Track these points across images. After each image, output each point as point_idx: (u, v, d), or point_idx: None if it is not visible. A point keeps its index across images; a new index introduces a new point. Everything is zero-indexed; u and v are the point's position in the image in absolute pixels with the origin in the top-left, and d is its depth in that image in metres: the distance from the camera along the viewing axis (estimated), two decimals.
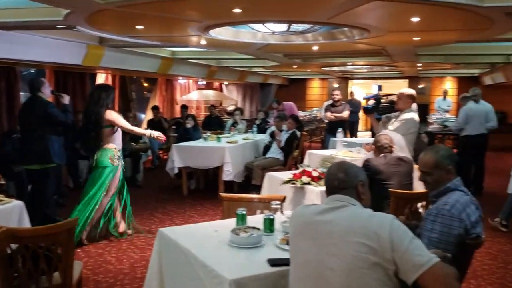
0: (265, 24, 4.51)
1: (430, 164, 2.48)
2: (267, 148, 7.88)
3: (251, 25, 4.69)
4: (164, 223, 5.78)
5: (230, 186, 7.26)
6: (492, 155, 10.83)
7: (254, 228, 2.57)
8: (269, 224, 2.64)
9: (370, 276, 1.75)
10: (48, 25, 4.52)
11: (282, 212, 2.84)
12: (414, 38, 6.00)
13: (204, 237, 2.59)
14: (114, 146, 4.88)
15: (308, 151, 6.70)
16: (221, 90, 16.11)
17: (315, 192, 3.98)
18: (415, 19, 4.53)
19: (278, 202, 2.87)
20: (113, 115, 4.81)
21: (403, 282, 2.25)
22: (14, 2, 4.14)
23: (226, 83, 15.87)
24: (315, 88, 16.63)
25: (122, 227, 5.20)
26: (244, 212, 2.73)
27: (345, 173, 2.06)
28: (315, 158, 6.15)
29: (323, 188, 3.19)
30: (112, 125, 4.84)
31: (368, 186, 2.15)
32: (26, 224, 3.45)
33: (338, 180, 2.04)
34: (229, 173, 6.99)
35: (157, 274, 2.69)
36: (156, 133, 5.07)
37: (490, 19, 4.27)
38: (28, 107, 5.33)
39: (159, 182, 8.30)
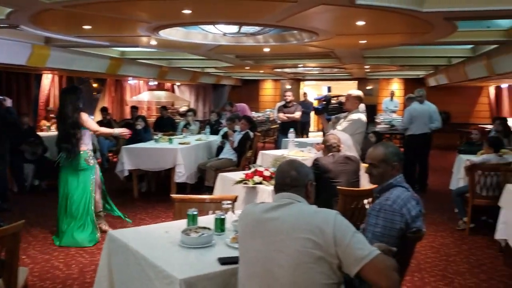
0: (215, 26, 4.53)
1: (378, 158, 2.59)
2: (220, 149, 7.90)
3: (202, 26, 4.69)
4: (114, 227, 5.64)
5: (182, 188, 7.21)
6: (436, 153, 11.38)
7: (205, 228, 2.59)
8: (220, 224, 2.67)
9: (316, 270, 1.81)
10: None
11: (233, 211, 2.87)
12: (361, 41, 6.22)
13: (154, 238, 2.58)
14: (86, 148, 4.96)
15: (260, 152, 6.79)
16: (173, 91, 15.95)
17: (267, 191, 4.04)
18: (361, 23, 4.70)
19: (229, 202, 2.90)
20: (83, 117, 4.85)
21: (347, 275, 2.35)
22: None
23: (178, 83, 15.73)
24: (268, 89, 16.80)
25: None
26: (195, 213, 2.75)
27: (297, 171, 2.11)
28: (267, 158, 6.23)
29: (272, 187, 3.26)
30: (84, 128, 4.89)
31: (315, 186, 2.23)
32: None
33: (291, 178, 2.09)
34: (181, 175, 6.95)
35: (107, 277, 2.65)
36: (120, 130, 5.12)
37: (430, 24, 4.49)
38: None
39: (109, 185, 7.98)
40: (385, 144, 2.74)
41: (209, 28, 4.67)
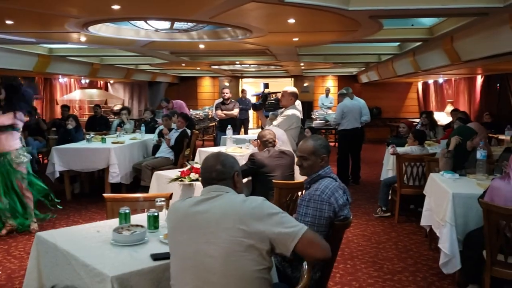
0: (147, 22, 4.44)
1: (308, 150, 2.69)
2: (156, 147, 7.78)
3: (133, 22, 4.59)
4: (45, 230, 5.42)
5: (118, 189, 7.04)
6: (369, 147, 11.89)
7: (137, 226, 2.56)
8: (153, 221, 2.65)
9: (246, 258, 1.86)
10: None
11: (167, 209, 2.85)
12: (294, 39, 6.36)
13: (85, 238, 2.52)
14: None
15: (198, 149, 6.76)
16: (106, 89, 15.47)
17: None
18: (291, 21, 4.81)
19: (163, 199, 2.88)
20: None
21: (280, 263, 2.42)
22: None
23: (111, 81, 15.28)
24: (206, 86, 16.72)
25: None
26: (127, 211, 2.71)
27: (222, 164, 2.13)
28: (205, 156, 6.22)
29: None
30: None
31: (241, 175, 2.26)
32: None
33: (217, 172, 2.11)
34: (115, 175, 6.79)
35: (36, 280, 2.55)
36: None
37: (356, 22, 4.69)
38: None
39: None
40: (314, 137, 2.85)
41: (141, 24, 4.58)
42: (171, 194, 3.31)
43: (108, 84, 15.67)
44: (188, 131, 7.67)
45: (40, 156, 9.64)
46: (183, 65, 10.11)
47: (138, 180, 7.23)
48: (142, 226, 2.55)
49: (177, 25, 4.41)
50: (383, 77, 11.90)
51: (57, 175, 6.78)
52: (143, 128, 8.67)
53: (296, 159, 4.44)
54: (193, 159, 7.19)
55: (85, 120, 11.29)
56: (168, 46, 6.10)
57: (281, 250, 1.91)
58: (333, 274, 3.97)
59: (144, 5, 3.73)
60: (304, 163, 2.72)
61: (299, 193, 3.83)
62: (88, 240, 2.49)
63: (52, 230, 2.76)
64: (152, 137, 8.15)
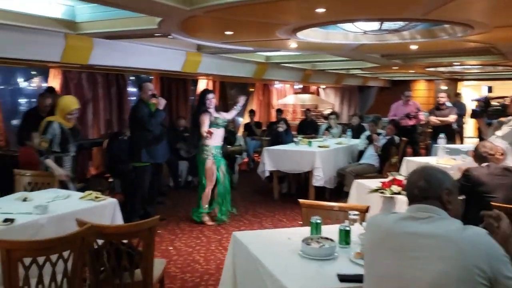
0: (355, 24, 4.30)
1: None
2: (361, 153, 7.59)
3: (341, 25, 4.51)
4: (253, 226, 5.83)
5: (321, 192, 7.12)
6: None
7: (327, 239, 2.44)
8: (345, 236, 2.49)
9: None
10: (146, 34, 4.79)
11: (361, 223, 2.66)
12: None
13: (275, 244, 2.52)
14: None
15: (405, 158, 6.30)
16: (318, 93, 15.94)
17: (406, 203, 3.69)
18: None
19: (356, 212, 2.69)
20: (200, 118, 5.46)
21: None
22: (116, 14, 4.46)
23: (323, 86, 15.66)
24: (420, 90, 15.66)
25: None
26: (319, 221, 2.61)
27: (427, 180, 1.84)
28: (412, 166, 5.75)
29: None
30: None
31: (457, 194, 1.92)
32: (119, 220, 3.65)
33: (419, 189, 1.84)
34: (319, 179, 6.85)
35: (231, 278, 2.67)
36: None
37: None
38: (131, 111, 5.86)
39: (253, 184, 8.39)
40: None
41: (349, 26, 4.46)
42: (368, 208, 3.09)
43: (320, 89, 16.12)
44: (397, 139, 7.26)
45: (256, 155, 10.51)
46: (395, 68, 9.64)
47: (341, 185, 7.18)
48: (332, 240, 2.42)
49: (386, 25, 4.14)
50: None
51: (267, 174, 7.22)
52: (349, 133, 8.58)
53: None
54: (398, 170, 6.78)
55: (297, 124, 11.87)
56: (377, 48, 5.85)
57: None
58: None
59: (349, 7, 3.60)
60: None
61: None
62: (279, 247, 2.48)
63: (247, 231, 2.86)
64: (358, 143, 7.99)
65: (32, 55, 4.72)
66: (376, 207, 4.06)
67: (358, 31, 4.49)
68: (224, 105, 11.79)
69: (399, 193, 3.81)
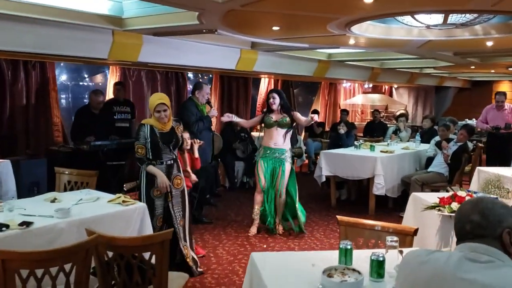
0: (417, 18, 3.76)
1: None
2: (430, 160, 6.91)
3: (402, 19, 3.98)
4: (301, 238, 5.39)
5: (384, 201, 6.59)
6: None
7: (354, 271, 2.03)
8: (377, 267, 2.06)
9: None
10: (193, 30, 4.59)
11: (401, 251, 2.21)
12: None
13: (294, 272, 2.15)
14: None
15: (478, 168, 5.58)
16: (390, 93, 15.09)
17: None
18: None
19: (395, 238, 2.25)
20: None
21: None
22: (160, 9, 4.30)
23: (395, 86, 14.79)
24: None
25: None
26: (349, 247, 2.20)
27: (484, 215, 1.45)
28: (484, 177, 5.07)
29: None
30: None
31: None
32: (147, 227, 3.46)
33: (472, 224, 1.45)
34: (380, 187, 6.31)
35: None
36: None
37: None
38: (179, 108, 5.67)
39: (311, 188, 7.94)
40: None
41: (409, 20, 3.93)
42: (416, 230, 2.62)
43: (393, 89, 15.25)
44: (470, 145, 6.52)
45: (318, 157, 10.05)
46: (472, 67, 8.73)
47: (407, 194, 6.57)
48: (359, 273, 2.01)
49: (452, 18, 3.57)
50: None
51: (323, 179, 6.78)
52: (417, 137, 7.88)
53: None
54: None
55: (364, 125, 11.27)
56: (447, 45, 5.19)
57: None
58: None
59: None
60: None
61: None
62: (297, 276, 2.10)
63: (266, 253, 2.51)
64: (428, 149, 7.30)
65: (78, 51, 4.70)
66: (433, 227, 3.55)
67: (420, 26, 3.95)
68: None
69: None
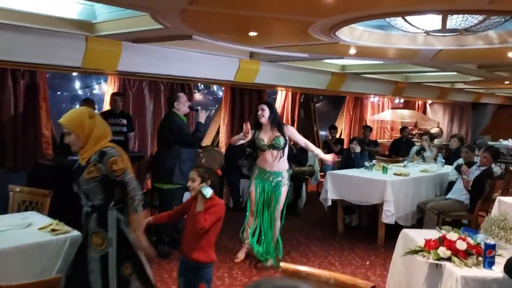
0: (409, 21, 3.10)
1: None
2: (452, 185, 6.14)
3: (394, 23, 3.34)
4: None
5: (397, 230, 5.86)
6: None
7: None
8: None
9: None
10: (170, 36, 4.14)
11: None
12: None
13: None
14: None
15: (498, 198, 4.78)
16: (424, 110, 14.17)
17: (453, 277, 2.47)
18: None
19: None
20: None
21: None
22: (125, 14, 3.90)
23: (429, 101, 13.86)
24: None
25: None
26: None
27: None
28: (504, 209, 4.27)
29: (469, 271, 2.35)
30: None
31: None
32: None
33: None
34: (389, 214, 5.60)
35: None
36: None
37: None
38: (162, 124, 5.20)
39: (321, 211, 7.26)
40: None
41: (404, 25, 3.27)
42: (374, 287, 2.01)
43: (427, 105, 14.33)
44: (495, 170, 5.72)
45: None
46: (506, 82, 7.83)
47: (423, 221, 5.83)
48: None
49: (452, 22, 2.90)
50: None
51: (329, 203, 6.14)
52: (440, 158, 7.09)
53: None
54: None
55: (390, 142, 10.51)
56: (463, 56, 4.43)
57: None
58: None
59: None
60: None
61: None
62: None
63: None
64: (450, 172, 6.52)
65: (45, 59, 4.35)
66: (421, 273, 2.89)
67: (416, 31, 3.30)
68: (308, 120, 10.83)
69: (449, 259, 2.60)
